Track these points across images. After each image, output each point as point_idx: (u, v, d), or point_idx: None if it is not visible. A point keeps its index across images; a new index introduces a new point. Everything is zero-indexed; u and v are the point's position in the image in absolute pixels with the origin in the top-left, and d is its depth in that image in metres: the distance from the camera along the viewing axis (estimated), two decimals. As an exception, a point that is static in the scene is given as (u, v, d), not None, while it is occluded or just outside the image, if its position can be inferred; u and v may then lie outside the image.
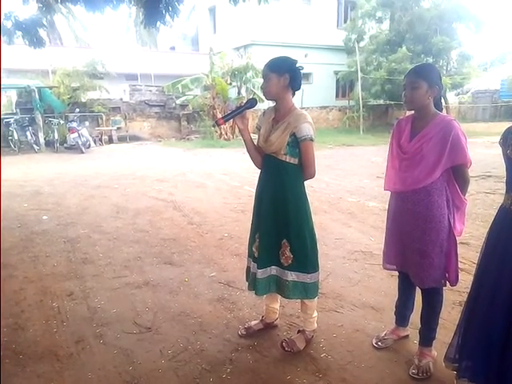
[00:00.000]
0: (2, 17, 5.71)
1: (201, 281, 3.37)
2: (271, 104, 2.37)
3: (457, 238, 2.13)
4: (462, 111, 20.39)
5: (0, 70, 9.26)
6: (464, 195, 2.10)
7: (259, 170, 2.41)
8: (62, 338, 2.54)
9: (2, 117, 12.76)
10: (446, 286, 2.18)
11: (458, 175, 2.06)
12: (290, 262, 2.27)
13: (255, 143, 2.37)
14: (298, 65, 2.20)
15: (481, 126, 16.82)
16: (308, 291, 2.31)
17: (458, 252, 2.16)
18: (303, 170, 2.24)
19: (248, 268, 2.47)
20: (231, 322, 2.71)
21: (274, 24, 17.66)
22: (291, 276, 2.27)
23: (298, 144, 2.17)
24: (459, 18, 16.30)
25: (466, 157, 1.98)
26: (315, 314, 2.45)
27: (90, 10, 5.22)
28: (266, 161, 2.30)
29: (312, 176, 2.26)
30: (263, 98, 2.32)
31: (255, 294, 2.38)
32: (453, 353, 1.99)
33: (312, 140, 2.17)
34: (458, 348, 1.97)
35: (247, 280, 2.49)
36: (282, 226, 2.26)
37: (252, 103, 2.28)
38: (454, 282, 2.14)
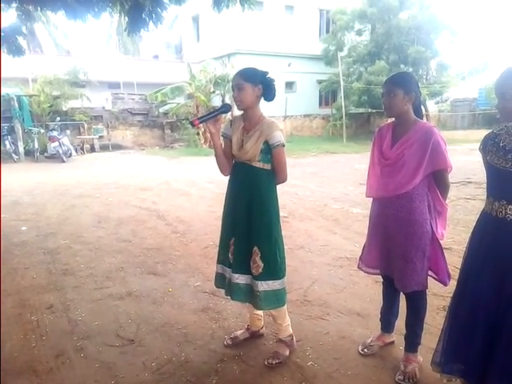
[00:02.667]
0: None
1: (185, 291, 3.32)
2: (237, 113, 2.38)
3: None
4: (442, 119, 20.88)
5: (0, 78, 9.00)
6: (445, 200, 2.14)
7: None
8: (41, 353, 2.46)
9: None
10: (427, 288, 2.20)
11: (438, 180, 2.10)
12: (260, 270, 2.25)
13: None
14: (270, 76, 2.26)
15: (460, 133, 17.24)
16: (279, 299, 2.31)
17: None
18: (276, 174, 2.30)
19: (218, 274, 2.46)
20: (216, 332, 2.67)
21: (258, 33, 17.82)
22: (262, 286, 2.26)
23: (270, 150, 2.23)
24: (436, 28, 16.78)
25: (447, 162, 2.02)
26: (287, 321, 2.43)
27: (72, 18, 5.15)
28: (238, 168, 2.33)
29: (284, 180, 2.33)
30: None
31: (231, 298, 2.38)
32: (439, 357, 2.00)
33: (284, 146, 2.25)
34: (444, 352, 1.98)
35: (216, 284, 2.49)
36: (254, 233, 2.27)
37: (227, 108, 2.33)
38: (447, 282, 2.18)
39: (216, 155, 2.38)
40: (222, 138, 2.39)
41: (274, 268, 2.27)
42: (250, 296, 2.33)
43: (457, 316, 1.94)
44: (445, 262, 2.16)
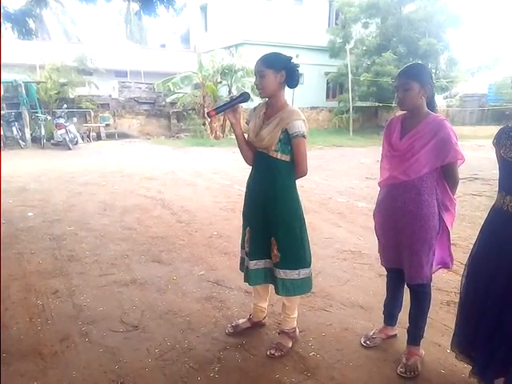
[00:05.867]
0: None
1: (189, 279, 3.34)
2: (260, 101, 2.34)
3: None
4: (450, 114, 20.66)
5: (0, 65, 9.01)
6: (453, 195, 2.12)
7: (250, 168, 2.39)
8: (47, 337, 2.49)
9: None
10: (432, 282, 2.20)
11: (448, 174, 2.07)
12: (277, 260, 2.26)
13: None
14: (294, 62, 2.18)
15: (468, 129, 17.08)
16: (296, 288, 2.28)
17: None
18: (295, 167, 2.21)
19: (242, 258, 2.48)
20: (219, 321, 2.68)
21: (266, 24, 17.67)
22: (279, 274, 2.26)
23: (289, 141, 2.14)
24: (446, 21, 16.55)
25: (457, 154, 2.00)
26: (295, 314, 2.42)
27: (84, 1, 5.14)
28: (257, 158, 2.27)
29: (304, 174, 2.24)
30: (252, 97, 2.29)
31: (248, 284, 2.39)
32: (456, 340, 2.06)
33: (304, 137, 2.15)
34: (458, 338, 2.02)
35: (241, 269, 2.49)
36: (270, 224, 2.25)
37: (245, 97, 2.24)
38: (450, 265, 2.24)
39: (238, 145, 2.32)
40: (246, 125, 2.33)
41: (291, 259, 2.25)
42: (270, 278, 2.34)
43: (466, 308, 1.95)
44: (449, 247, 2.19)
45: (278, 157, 2.17)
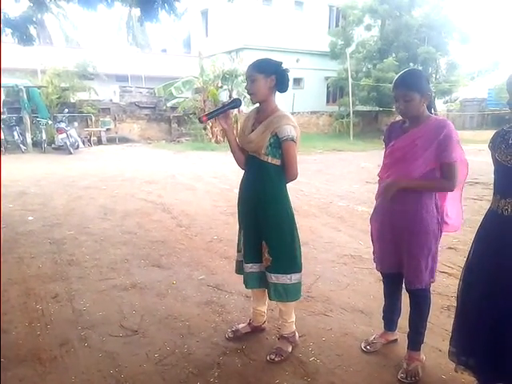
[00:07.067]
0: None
1: (189, 284, 3.33)
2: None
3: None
4: (451, 119, 20.57)
5: (0, 70, 9.08)
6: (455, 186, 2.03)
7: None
8: (46, 341, 2.48)
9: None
10: (430, 286, 2.18)
11: (445, 175, 2.01)
12: (268, 263, 2.27)
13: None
14: (284, 67, 2.21)
15: (468, 133, 17.07)
16: (288, 293, 2.29)
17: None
18: (285, 170, 2.23)
19: (238, 262, 2.49)
20: (219, 326, 2.68)
21: (267, 29, 17.75)
22: (271, 278, 2.28)
23: (280, 145, 2.17)
24: (447, 28, 16.63)
25: (457, 155, 1.97)
26: (292, 318, 2.42)
27: (84, 7, 5.18)
28: (249, 161, 2.30)
29: (294, 177, 2.25)
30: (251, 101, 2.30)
31: (245, 286, 2.41)
32: (454, 347, 2.02)
33: (293, 141, 2.16)
34: (456, 344, 1.99)
35: (237, 272, 2.52)
36: (261, 228, 2.27)
37: (236, 103, 2.29)
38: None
39: (231, 150, 2.35)
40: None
41: (282, 263, 2.26)
42: (264, 283, 2.35)
43: (463, 313, 1.94)
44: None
45: (269, 160, 2.19)
